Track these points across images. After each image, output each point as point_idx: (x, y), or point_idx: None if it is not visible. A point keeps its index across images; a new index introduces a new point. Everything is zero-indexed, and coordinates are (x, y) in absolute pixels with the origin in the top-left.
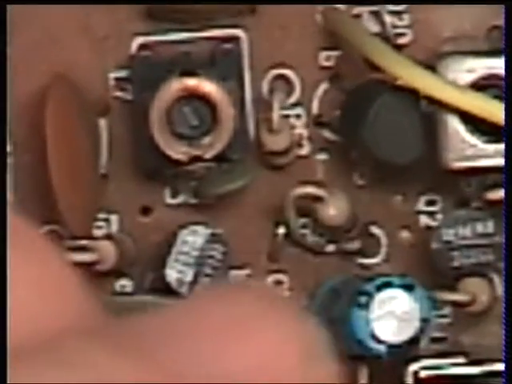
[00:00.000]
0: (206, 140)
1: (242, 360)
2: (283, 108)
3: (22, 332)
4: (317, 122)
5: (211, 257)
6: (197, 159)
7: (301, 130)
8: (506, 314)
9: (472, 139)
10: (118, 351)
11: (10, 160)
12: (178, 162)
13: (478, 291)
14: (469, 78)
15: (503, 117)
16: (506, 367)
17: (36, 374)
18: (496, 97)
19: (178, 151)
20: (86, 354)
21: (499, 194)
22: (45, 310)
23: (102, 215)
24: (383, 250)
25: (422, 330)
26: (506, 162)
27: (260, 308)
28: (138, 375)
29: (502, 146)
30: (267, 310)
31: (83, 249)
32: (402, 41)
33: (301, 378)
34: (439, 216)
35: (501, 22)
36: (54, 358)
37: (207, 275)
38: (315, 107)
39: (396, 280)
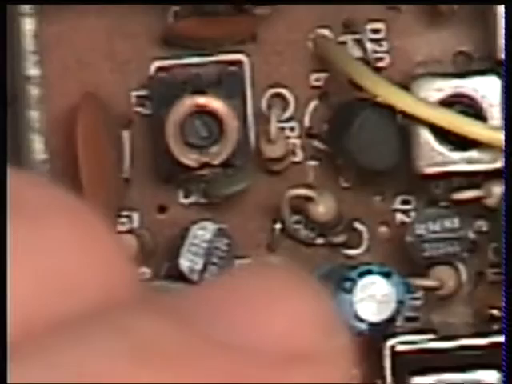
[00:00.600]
0: (214, 149)
1: (271, 327)
2: (279, 121)
3: (71, 298)
4: (308, 134)
5: (218, 248)
6: (206, 165)
7: (294, 140)
8: (505, 314)
9: (440, 148)
10: (162, 318)
11: (46, 166)
12: (189, 168)
13: (445, 278)
14: (437, 96)
15: (467, 129)
16: (506, 367)
17: (85, 342)
18: (461, 112)
19: (189, 158)
20: (133, 319)
21: (464, 194)
22: (93, 277)
23: (124, 213)
24: (364, 243)
25: (397, 311)
26: (506, 161)
27: (285, 281)
28: (181, 341)
29: (465, 154)
30: (291, 283)
31: None
32: (380, 64)
33: (324, 347)
34: (412, 213)
35: (465, 47)
36: (105, 323)
37: (214, 264)
38: (307, 121)
39: (375, 268)
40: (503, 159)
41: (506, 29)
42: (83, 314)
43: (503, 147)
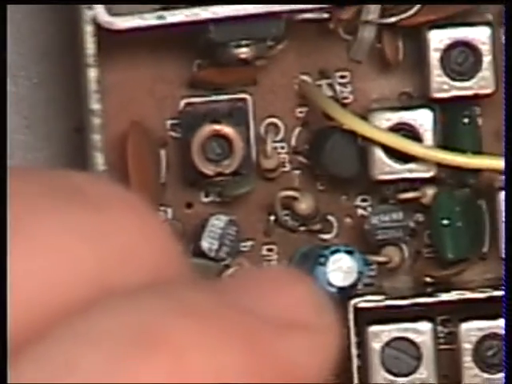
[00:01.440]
0: (226, 162)
1: (280, 303)
2: (273, 142)
3: (130, 268)
4: (294, 151)
5: (228, 234)
6: (220, 174)
7: (284, 156)
8: (506, 313)
9: (389, 161)
10: (202, 289)
11: (106, 175)
12: (208, 176)
13: (392, 255)
14: (387, 124)
15: (408, 148)
16: (506, 367)
17: (145, 301)
18: (404, 135)
19: (208, 169)
20: (180, 288)
21: (406, 195)
22: (148, 253)
23: (161, 208)
24: (334, 230)
25: (358, 279)
26: (506, 162)
27: (289, 275)
28: (217, 304)
29: (407, 165)
30: (293, 277)
31: None
32: (346, 101)
33: (318, 320)
34: (369, 209)
35: (407, 89)
36: (158, 289)
37: (226, 245)
38: (293, 142)
39: (342, 248)
40: (503, 159)
41: (506, 29)
42: (141, 281)
43: (504, 147)
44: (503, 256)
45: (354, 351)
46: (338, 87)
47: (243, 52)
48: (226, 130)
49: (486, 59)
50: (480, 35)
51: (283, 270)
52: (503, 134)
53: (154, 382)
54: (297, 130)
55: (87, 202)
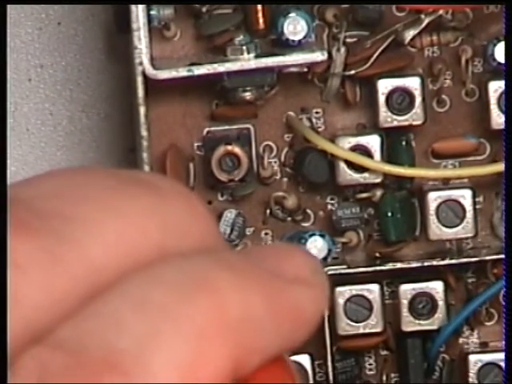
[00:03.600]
0: (235, 172)
1: (288, 266)
2: (269, 158)
3: (185, 238)
4: (283, 165)
5: (237, 222)
6: (231, 180)
7: (276, 168)
8: (506, 312)
9: (350, 172)
10: (236, 254)
11: None
12: (223, 182)
13: (352, 237)
14: (348, 145)
15: (362, 162)
16: (506, 367)
17: (197, 262)
18: (360, 153)
19: (223, 177)
20: (220, 252)
21: (361, 195)
22: (197, 228)
23: None
24: (311, 220)
25: (328, 254)
26: (506, 162)
27: (290, 248)
28: (247, 264)
29: (362, 174)
30: (294, 250)
31: None
32: (320, 129)
33: (315, 278)
34: (336, 205)
35: (362, 121)
36: (205, 253)
37: (235, 231)
38: (282, 158)
39: (317, 232)
40: (503, 159)
41: (506, 29)
42: (191, 247)
43: (504, 147)
44: (503, 257)
45: None
46: (314, 120)
47: (247, 95)
48: (236, 150)
49: (418, 100)
50: (413, 83)
51: (288, 245)
52: (503, 134)
53: (203, 313)
54: (285, 150)
55: (153, 190)
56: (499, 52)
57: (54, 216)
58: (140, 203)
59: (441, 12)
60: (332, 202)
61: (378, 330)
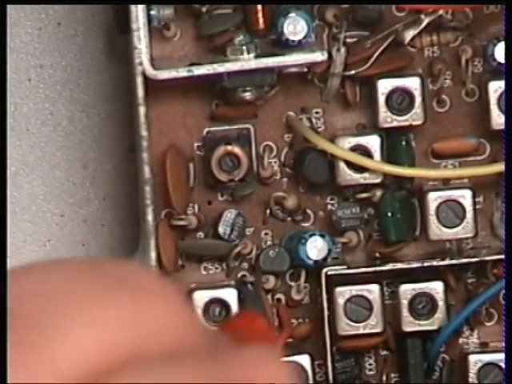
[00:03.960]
0: (235, 172)
1: (258, 379)
2: (269, 158)
3: (159, 338)
4: (283, 165)
5: (237, 222)
6: (231, 180)
7: (276, 168)
8: (506, 312)
9: (350, 172)
10: (209, 362)
11: (150, 181)
12: (223, 182)
13: (352, 237)
14: (349, 145)
15: (362, 162)
16: (506, 367)
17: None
18: (360, 153)
19: (223, 177)
20: (195, 356)
21: (362, 195)
22: (174, 328)
23: (190, 205)
24: (311, 220)
25: (328, 254)
26: (506, 162)
27: (259, 357)
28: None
29: (362, 174)
30: (269, 356)
31: (182, 219)
32: (319, 129)
33: None
34: (336, 205)
35: (362, 121)
36: (178, 358)
37: (235, 230)
38: (282, 158)
39: (317, 232)
40: (503, 159)
41: (506, 29)
42: (165, 349)
43: (504, 147)
44: (503, 257)
45: (325, 305)
46: (314, 120)
47: (247, 95)
48: (236, 149)
49: (417, 100)
50: (413, 83)
51: (264, 351)
52: (503, 134)
53: None
54: (285, 150)
55: (130, 291)
56: (499, 52)
57: (30, 324)
58: (116, 307)
59: (441, 12)
60: (332, 202)
61: (378, 330)
